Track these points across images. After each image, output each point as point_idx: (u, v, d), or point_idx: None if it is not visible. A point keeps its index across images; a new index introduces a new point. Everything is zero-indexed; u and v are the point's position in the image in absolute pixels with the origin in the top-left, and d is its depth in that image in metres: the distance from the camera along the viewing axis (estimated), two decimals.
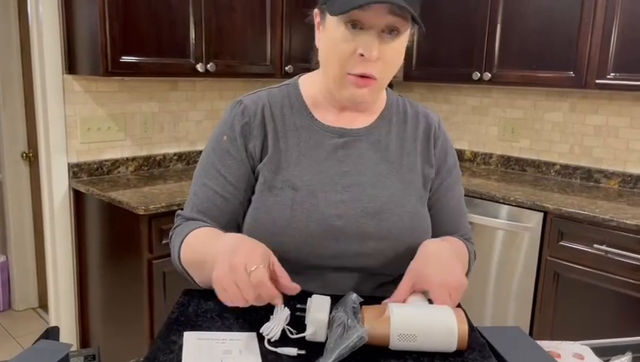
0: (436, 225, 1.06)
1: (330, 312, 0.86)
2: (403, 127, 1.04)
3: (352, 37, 0.89)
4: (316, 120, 1.02)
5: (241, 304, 0.76)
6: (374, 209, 0.97)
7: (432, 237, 1.04)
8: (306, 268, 0.98)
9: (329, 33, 0.92)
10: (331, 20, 0.91)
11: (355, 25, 0.88)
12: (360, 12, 0.87)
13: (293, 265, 0.97)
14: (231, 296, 0.75)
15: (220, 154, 1.01)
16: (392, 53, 0.91)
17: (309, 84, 1.05)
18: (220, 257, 0.79)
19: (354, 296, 0.85)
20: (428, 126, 1.06)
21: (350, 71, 0.91)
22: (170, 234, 1.05)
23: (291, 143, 1.00)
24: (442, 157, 1.06)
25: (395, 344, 0.78)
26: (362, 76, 0.91)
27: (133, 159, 2.62)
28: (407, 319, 0.78)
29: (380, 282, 1.01)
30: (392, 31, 0.89)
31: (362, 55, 0.89)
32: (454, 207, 1.08)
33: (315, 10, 0.97)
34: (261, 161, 1.00)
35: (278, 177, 0.98)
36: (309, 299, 0.87)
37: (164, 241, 2.09)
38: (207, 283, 0.95)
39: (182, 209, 1.07)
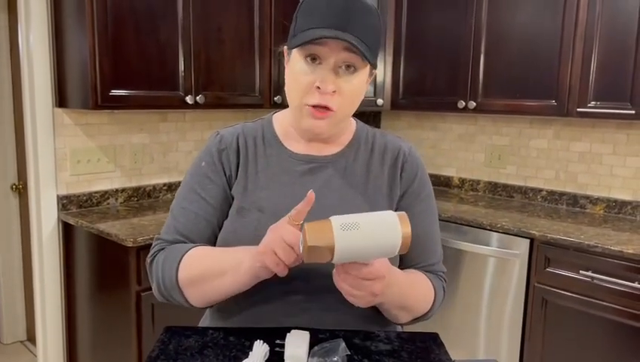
0: None
1: (310, 348, 0.87)
2: (370, 155, 1.09)
3: (310, 70, 0.95)
4: (286, 148, 1.07)
5: (282, 255, 0.83)
6: None
7: (399, 262, 1.06)
8: (274, 292, 1.00)
9: (292, 67, 0.99)
10: (294, 55, 0.98)
11: (313, 59, 0.95)
12: (317, 47, 0.93)
13: (262, 287, 0.98)
14: (277, 248, 0.83)
15: (199, 179, 1.06)
16: (349, 88, 0.96)
17: (281, 119, 1.11)
18: (254, 250, 0.88)
19: (343, 345, 0.87)
20: (396, 152, 1.09)
21: (308, 102, 0.96)
22: (150, 259, 1.05)
23: (260, 168, 1.05)
24: (409, 180, 1.08)
25: (339, 236, 0.76)
26: (319, 106, 0.96)
27: (123, 190, 2.63)
28: (347, 217, 0.79)
29: (343, 316, 1.02)
30: (349, 67, 0.95)
31: (319, 88, 0.94)
32: (422, 233, 1.07)
33: (285, 48, 1.03)
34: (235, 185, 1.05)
35: (246, 199, 1.02)
36: (287, 334, 0.89)
37: None
38: (214, 295, 0.97)
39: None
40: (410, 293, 1.00)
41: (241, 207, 1.02)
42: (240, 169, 1.05)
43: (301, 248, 0.80)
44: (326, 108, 0.96)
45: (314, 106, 0.96)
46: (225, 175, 1.05)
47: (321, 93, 0.94)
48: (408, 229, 0.79)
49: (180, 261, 0.98)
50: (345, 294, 0.86)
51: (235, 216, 1.02)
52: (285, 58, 1.03)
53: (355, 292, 0.84)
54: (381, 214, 0.81)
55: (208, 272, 0.95)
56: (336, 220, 0.78)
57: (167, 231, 1.06)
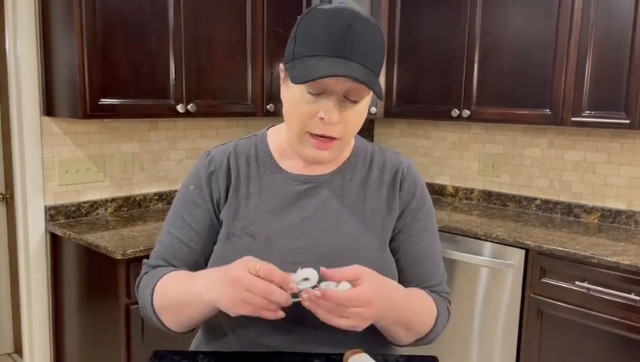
0: (402, 271, 1.03)
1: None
2: (367, 173, 1.04)
3: (313, 100, 0.90)
4: (280, 168, 1.03)
5: (258, 306, 0.80)
6: (332, 255, 0.96)
7: (399, 283, 1.01)
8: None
9: (292, 92, 0.92)
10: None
11: (316, 89, 0.89)
12: (319, 80, 0.87)
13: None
14: (247, 300, 0.79)
15: (186, 203, 1.03)
16: (353, 116, 0.92)
17: (276, 135, 1.06)
18: (212, 283, 0.84)
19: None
20: (395, 170, 1.05)
21: (311, 131, 0.92)
22: (137, 282, 1.05)
23: (252, 191, 1.01)
24: (408, 199, 1.04)
25: None
26: (323, 136, 0.92)
27: (113, 200, 2.58)
28: None
29: (341, 335, 0.99)
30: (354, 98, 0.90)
31: (322, 118, 0.89)
32: (421, 253, 1.04)
33: (281, 66, 0.97)
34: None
35: (237, 224, 0.99)
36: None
37: None
38: (188, 322, 0.96)
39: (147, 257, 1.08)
40: (407, 306, 0.95)
41: (231, 233, 0.99)
42: (231, 191, 1.01)
43: None
44: (330, 137, 0.92)
45: (317, 135, 0.92)
46: (212, 200, 1.01)
47: (325, 124, 0.90)
48: None
49: (154, 287, 0.97)
50: (338, 326, 0.82)
51: (226, 241, 0.99)
52: (281, 75, 0.96)
53: (345, 322, 0.81)
54: None
55: (176, 301, 0.94)
56: None
57: (153, 255, 1.06)
